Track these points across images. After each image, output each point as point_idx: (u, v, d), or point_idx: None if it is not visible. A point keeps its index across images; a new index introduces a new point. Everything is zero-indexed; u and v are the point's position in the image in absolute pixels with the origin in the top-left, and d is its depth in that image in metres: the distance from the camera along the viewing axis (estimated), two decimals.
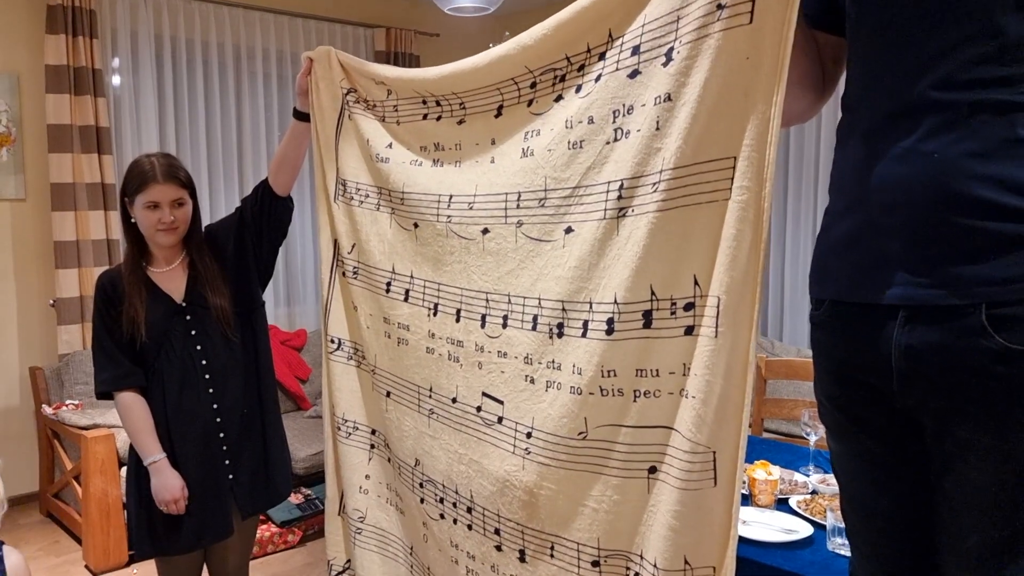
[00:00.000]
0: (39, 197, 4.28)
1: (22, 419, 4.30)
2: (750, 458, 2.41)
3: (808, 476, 2.31)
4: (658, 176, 1.32)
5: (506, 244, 1.63)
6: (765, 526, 1.97)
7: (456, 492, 1.80)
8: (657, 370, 1.37)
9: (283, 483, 2.33)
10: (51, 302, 4.27)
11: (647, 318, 1.37)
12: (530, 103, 1.61)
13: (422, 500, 1.94)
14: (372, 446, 2.15)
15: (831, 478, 2.25)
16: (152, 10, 4.52)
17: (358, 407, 2.15)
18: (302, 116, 2.15)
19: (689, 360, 1.32)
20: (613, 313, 1.40)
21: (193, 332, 2.14)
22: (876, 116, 1.12)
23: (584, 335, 1.46)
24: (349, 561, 2.23)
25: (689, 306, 1.32)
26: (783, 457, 2.49)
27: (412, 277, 1.91)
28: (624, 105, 1.39)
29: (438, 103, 1.82)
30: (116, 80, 4.48)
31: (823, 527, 1.94)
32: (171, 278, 2.17)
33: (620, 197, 1.39)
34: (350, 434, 2.16)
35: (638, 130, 1.35)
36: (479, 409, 1.73)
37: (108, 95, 4.38)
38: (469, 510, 1.77)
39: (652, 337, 1.36)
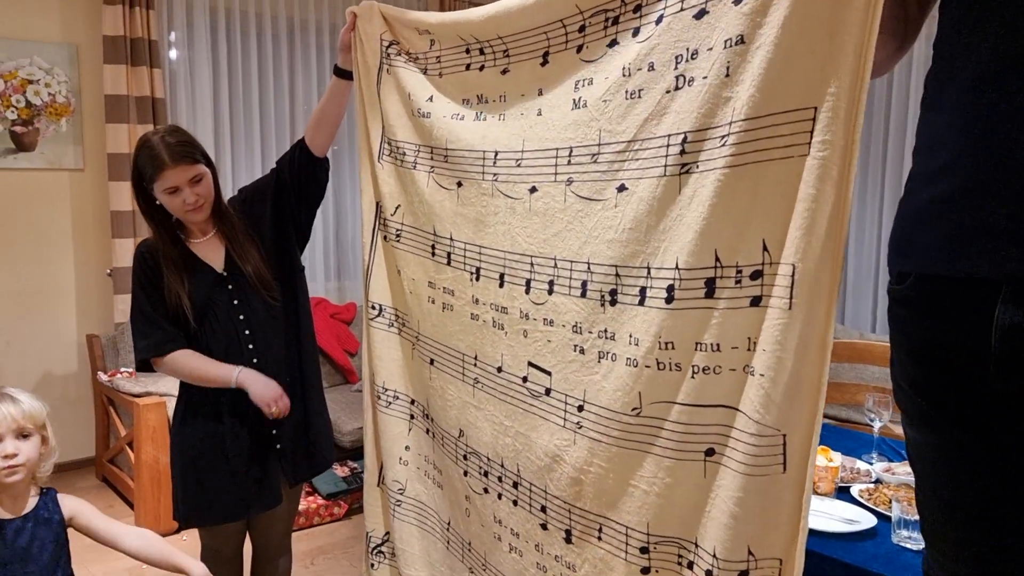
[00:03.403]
0: (97, 167, 4.32)
1: (80, 385, 4.38)
2: None
3: (872, 464, 2.19)
4: (727, 128, 1.22)
5: (554, 204, 1.54)
6: (825, 515, 1.87)
7: (502, 466, 1.74)
8: (718, 344, 1.27)
9: (327, 450, 2.30)
10: (108, 271, 4.32)
11: (709, 286, 1.27)
12: (579, 49, 1.51)
13: (465, 472, 1.88)
14: (412, 416, 2.10)
15: (897, 467, 2.13)
16: None
17: (398, 376, 2.09)
18: (343, 73, 2.09)
19: (755, 334, 1.22)
20: (674, 280, 1.31)
21: (236, 301, 2.10)
22: (989, 60, 0.98)
23: (641, 303, 1.37)
24: (388, 534, 2.19)
25: (756, 274, 1.22)
26: (844, 444, 2.38)
27: (452, 239, 1.83)
28: (688, 49, 1.28)
29: (481, 51, 1.72)
30: (173, 53, 4.49)
31: (887, 518, 1.83)
32: (210, 247, 2.12)
33: (683, 152, 1.29)
34: (390, 403, 2.11)
35: (704, 77, 1.25)
36: (525, 380, 1.65)
37: (164, 66, 4.39)
38: (515, 485, 1.70)
39: (714, 308, 1.27)
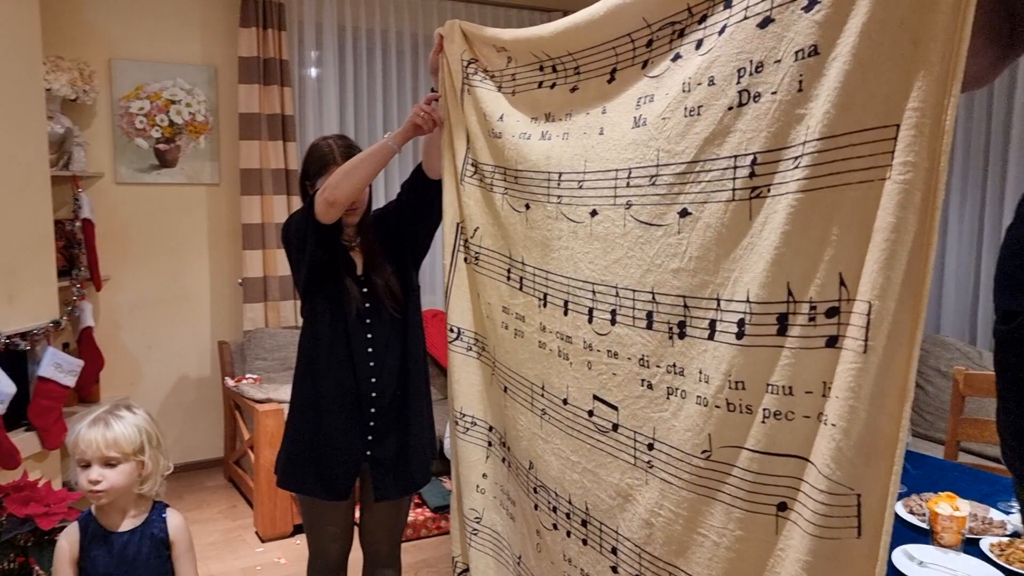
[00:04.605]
0: (231, 182, 4.55)
1: (212, 389, 4.62)
2: (937, 486, 2.08)
3: (1008, 514, 1.95)
4: (800, 149, 1.09)
5: (614, 228, 1.45)
6: (947, 571, 1.67)
7: (569, 502, 1.65)
8: (790, 387, 1.14)
9: (420, 473, 2.31)
10: (239, 281, 4.54)
11: (781, 323, 1.14)
12: (645, 64, 1.41)
13: (536, 506, 1.81)
14: (489, 443, 2.05)
15: None
16: (336, 1, 4.66)
17: (476, 401, 2.05)
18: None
19: (830, 378, 1.09)
20: (745, 314, 1.19)
21: (367, 304, 2.19)
22: None
23: (711, 337, 1.26)
24: (468, 567, 2.14)
25: (832, 312, 1.09)
26: (978, 488, 2.13)
27: (523, 263, 1.77)
28: (751, 62, 1.16)
29: (554, 68, 1.65)
30: (305, 71, 4.67)
31: None
32: (355, 252, 2.25)
33: (753, 174, 1.17)
34: (467, 429, 2.06)
35: (772, 92, 1.13)
36: (591, 414, 1.56)
37: (294, 84, 4.58)
38: (584, 523, 1.61)
39: (786, 347, 1.14)
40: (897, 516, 1.96)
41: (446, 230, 2.07)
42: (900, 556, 1.76)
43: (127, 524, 1.81)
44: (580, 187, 1.54)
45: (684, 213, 1.29)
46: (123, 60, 4.26)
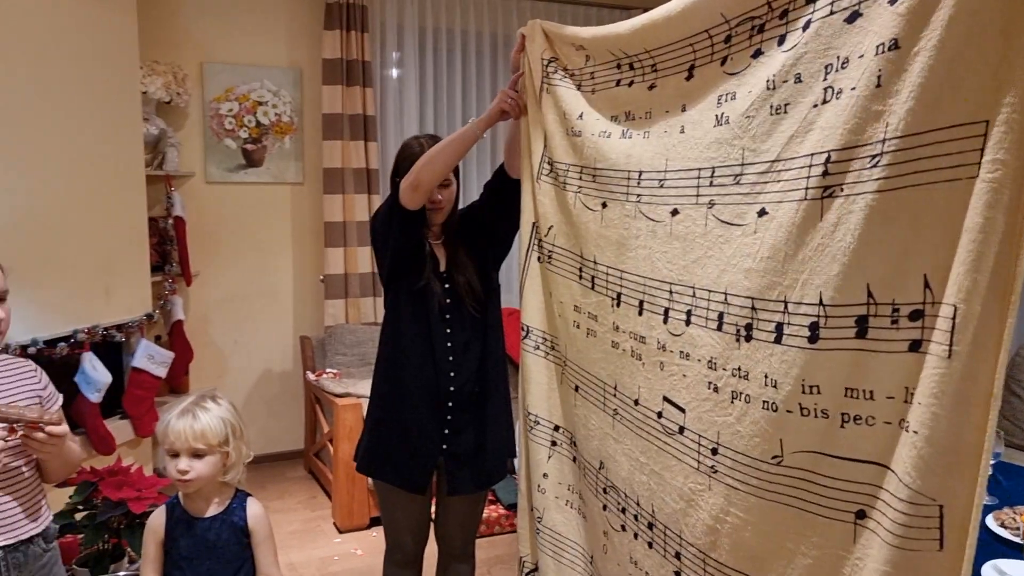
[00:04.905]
0: (314, 181, 4.67)
1: (295, 383, 4.75)
2: None
3: None
4: (879, 147, 1.06)
5: (695, 228, 1.43)
6: None
7: (637, 504, 1.64)
8: (871, 392, 1.11)
9: (495, 469, 2.33)
10: (320, 278, 4.65)
11: (861, 325, 1.11)
12: (724, 61, 1.39)
13: (604, 507, 1.80)
14: (553, 443, 2.04)
15: None
16: (417, 2, 4.73)
17: (541, 400, 2.05)
18: None
19: (913, 384, 1.05)
20: (818, 317, 1.16)
21: (448, 300, 2.22)
22: None
23: (778, 340, 1.23)
24: (537, 565, 2.14)
25: (916, 315, 1.05)
26: None
27: (596, 262, 1.76)
28: (839, 58, 1.13)
29: (631, 66, 1.64)
30: (387, 72, 4.75)
31: None
32: (439, 249, 2.29)
33: (825, 173, 1.14)
34: (531, 428, 2.07)
35: (852, 88, 1.09)
36: (660, 415, 1.55)
37: (375, 85, 4.66)
38: (650, 526, 1.60)
39: (867, 350, 1.11)
40: (987, 529, 1.88)
41: (523, 229, 2.09)
42: (990, 571, 1.69)
43: (211, 511, 1.88)
44: (661, 186, 1.52)
45: (762, 212, 1.27)
46: (214, 63, 4.42)
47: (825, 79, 1.15)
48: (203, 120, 4.44)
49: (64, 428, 1.74)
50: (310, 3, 4.56)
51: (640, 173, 1.59)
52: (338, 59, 4.47)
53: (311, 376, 4.30)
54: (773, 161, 1.25)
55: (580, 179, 1.80)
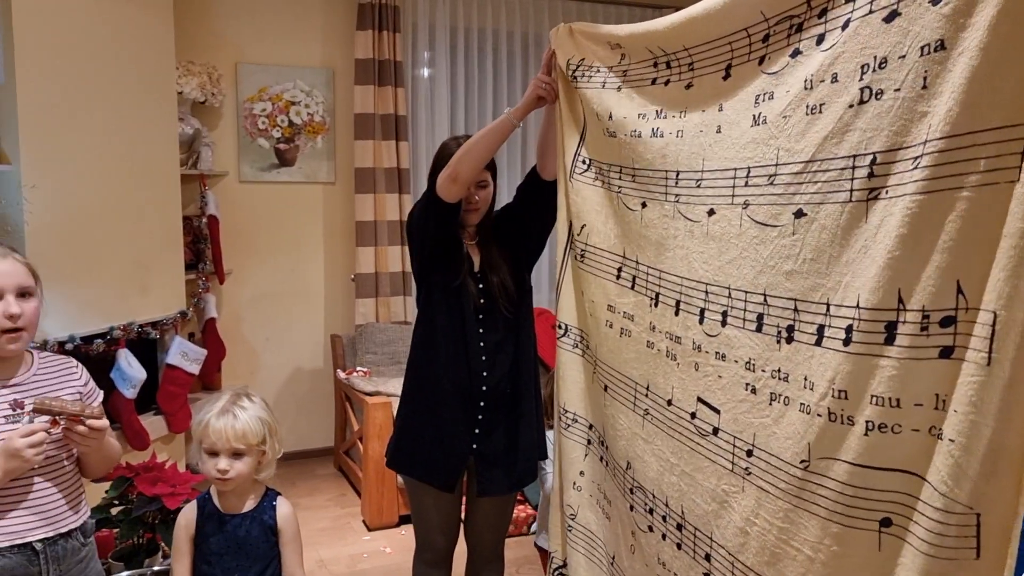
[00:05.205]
0: (345, 180, 4.70)
1: (325, 381, 4.78)
2: None
3: None
4: (921, 148, 1.04)
5: (730, 228, 1.42)
6: None
7: (666, 505, 1.63)
8: (897, 399, 1.10)
9: (525, 471, 2.33)
10: (351, 277, 4.68)
11: (890, 331, 1.09)
12: (761, 60, 1.37)
13: (632, 507, 1.79)
14: (588, 441, 2.05)
15: None
16: (449, 2, 4.74)
17: (578, 398, 2.05)
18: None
19: (945, 391, 1.03)
20: (853, 320, 1.15)
21: (482, 300, 2.23)
22: None
23: (819, 343, 1.22)
24: (566, 561, 2.14)
25: (948, 321, 1.03)
26: None
27: (637, 263, 1.76)
28: (875, 58, 1.11)
29: (668, 64, 1.63)
30: (418, 71, 4.77)
31: None
32: (473, 250, 2.30)
33: (871, 175, 1.12)
34: (568, 426, 2.07)
35: (896, 89, 1.08)
36: (693, 416, 1.54)
37: (407, 85, 4.68)
38: (679, 527, 1.59)
39: (894, 356, 1.09)
40: None
41: (559, 227, 2.09)
42: None
43: (242, 508, 1.90)
44: (698, 185, 1.52)
45: (799, 214, 1.26)
46: (248, 64, 4.47)
47: (862, 79, 1.14)
48: (237, 120, 4.49)
49: (105, 423, 1.77)
50: (343, 4, 4.59)
51: (678, 173, 1.58)
52: (370, 59, 4.49)
53: (341, 374, 4.33)
54: (807, 162, 1.24)
55: (620, 179, 1.80)
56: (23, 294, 1.75)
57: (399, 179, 4.64)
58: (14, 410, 1.72)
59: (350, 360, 4.55)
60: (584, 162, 1.96)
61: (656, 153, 1.65)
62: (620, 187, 1.80)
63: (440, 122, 4.79)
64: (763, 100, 1.35)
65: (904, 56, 1.07)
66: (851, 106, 1.16)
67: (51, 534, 1.74)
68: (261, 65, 4.50)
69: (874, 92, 1.12)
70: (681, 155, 1.57)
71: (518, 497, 3.64)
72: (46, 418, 1.69)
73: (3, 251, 1.76)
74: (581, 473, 2.06)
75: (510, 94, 4.96)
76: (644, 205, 1.71)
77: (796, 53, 1.29)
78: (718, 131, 1.46)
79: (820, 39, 1.24)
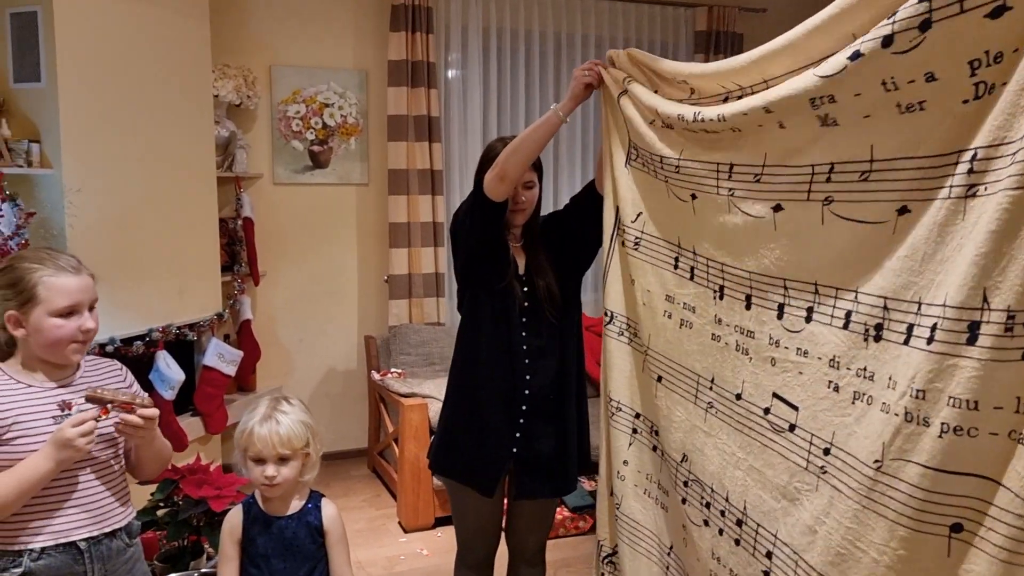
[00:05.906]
0: (379, 182, 4.70)
1: (359, 382, 4.79)
2: None
3: None
4: (1020, 144, 1.01)
5: (809, 224, 1.39)
6: None
7: (726, 500, 1.61)
8: (975, 402, 1.06)
9: (566, 478, 2.31)
10: (385, 278, 4.68)
11: (972, 331, 1.07)
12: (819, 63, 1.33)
13: (684, 500, 1.77)
14: (634, 431, 2.03)
15: None
16: (482, 3, 4.73)
17: (624, 387, 2.04)
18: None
19: None
20: (938, 318, 1.12)
21: (526, 303, 2.21)
22: None
23: (907, 342, 1.19)
24: (616, 547, 2.12)
25: None
26: None
27: (695, 253, 1.73)
28: (988, 53, 1.06)
29: (740, 97, 1.55)
30: (451, 73, 4.76)
31: None
32: (519, 252, 2.28)
33: (971, 171, 1.09)
34: (613, 414, 2.06)
35: (1003, 83, 1.05)
36: (767, 411, 1.51)
37: (440, 86, 4.67)
38: (739, 523, 1.57)
39: (975, 357, 1.06)
40: None
41: (605, 214, 2.07)
42: None
43: (287, 510, 1.89)
44: (757, 180, 1.49)
45: (903, 210, 1.22)
46: (282, 66, 4.48)
47: (973, 75, 1.09)
48: (271, 122, 4.50)
49: (155, 411, 1.77)
50: (376, 5, 4.59)
51: (731, 166, 1.55)
52: (403, 60, 4.49)
53: (376, 376, 4.33)
54: (909, 158, 1.21)
55: (665, 169, 1.78)
56: (92, 307, 1.78)
57: (432, 180, 4.63)
58: (62, 411, 1.72)
59: (384, 361, 4.55)
60: (636, 149, 1.94)
61: (701, 143, 1.62)
62: (667, 177, 1.78)
63: (473, 123, 4.77)
64: (823, 102, 1.31)
65: (1017, 49, 1.03)
66: (965, 101, 1.11)
67: (96, 533, 1.74)
68: (295, 67, 4.51)
69: (988, 87, 1.08)
70: (732, 147, 1.54)
71: (557, 500, 3.63)
72: (96, 408, 1.70)
73: (76, 264, 1.77)
74: (625, 463, 2.05)
75: (542, 95, 4.94)
76: (694, 196, 1.69)
77: (856, 56, 1.24)
78: (781, 127, 1.42)
79: (887, 41, 1.19)
